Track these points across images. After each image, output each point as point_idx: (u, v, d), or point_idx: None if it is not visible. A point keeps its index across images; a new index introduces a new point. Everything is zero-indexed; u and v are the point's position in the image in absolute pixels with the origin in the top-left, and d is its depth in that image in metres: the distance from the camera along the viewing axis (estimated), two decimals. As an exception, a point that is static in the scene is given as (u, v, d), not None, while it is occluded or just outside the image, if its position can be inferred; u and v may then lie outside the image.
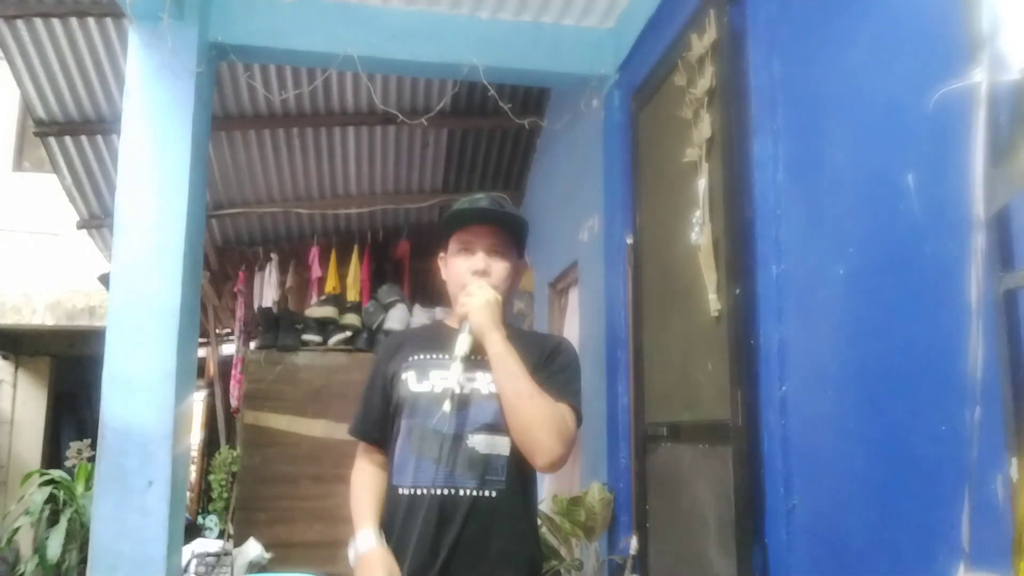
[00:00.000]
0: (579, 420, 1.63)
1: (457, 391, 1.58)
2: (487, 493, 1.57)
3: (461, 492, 1.56)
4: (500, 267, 1.69)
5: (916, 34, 1.51)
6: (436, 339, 1.71)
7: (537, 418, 1.53)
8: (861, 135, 1.69)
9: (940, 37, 1.42)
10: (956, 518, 1.29)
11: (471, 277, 1.66)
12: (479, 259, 1.68)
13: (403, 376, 1.67)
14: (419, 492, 1.57)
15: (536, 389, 1.55)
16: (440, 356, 1.66)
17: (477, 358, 1.62)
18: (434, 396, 1.61)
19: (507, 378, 1.56)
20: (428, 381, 1.64)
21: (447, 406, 1.56)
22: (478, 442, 1.58)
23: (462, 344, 1.61)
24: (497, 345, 1.58)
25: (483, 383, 1.61)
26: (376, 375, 1.76)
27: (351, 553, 1.61)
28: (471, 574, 1.55)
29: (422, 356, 1.69)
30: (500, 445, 1.59)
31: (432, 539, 1.53)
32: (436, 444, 1.58)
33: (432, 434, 1.59)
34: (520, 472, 1.61)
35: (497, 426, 1.58)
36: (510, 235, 1.72)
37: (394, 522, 1.60)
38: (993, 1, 1.26)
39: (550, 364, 1.66)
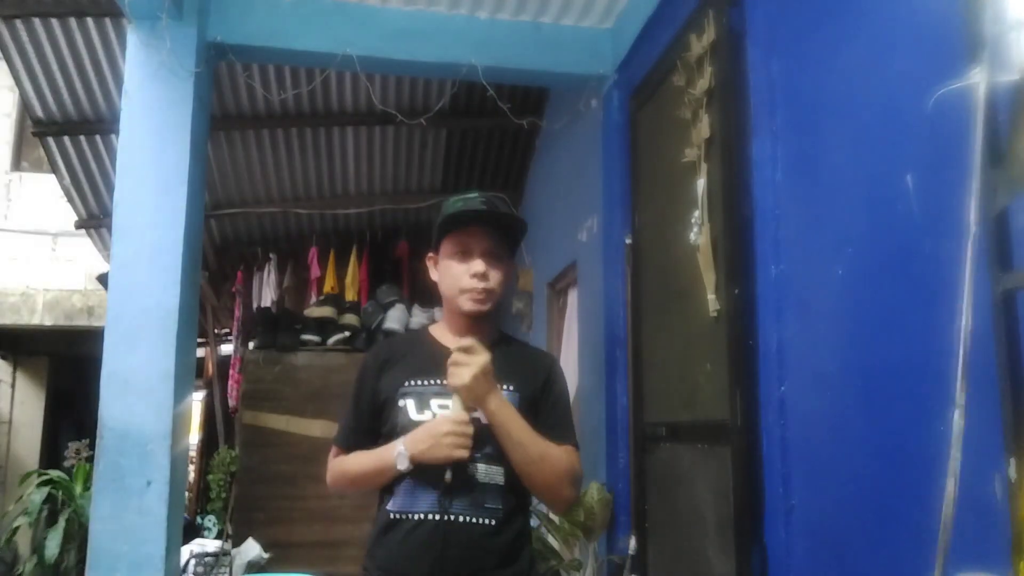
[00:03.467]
0: (578, 450, 1.66)
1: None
2: (485, 521, 1.55)
3: (460, 519, 1.54)
4: (497, 274, 1.65)
5: (915, 34, 1.51)
6: (431, 360, 1.65)
7: (552, 476, 1.57)
8: (860, 135, 1.69)
9: (940, 37, 1.42)
10: (955, 518, 1.29)
11: (469, 281, 1.62)
12: (478, 264, 1.63)
13: (400, 403, 1.62)
14: (416, 518, 1.55)
15: (544, 449, 1.55)
16: (438, 383, 1.61)
17: None
18: None
19: (514, 448, 1.54)
20: (429, 411, 1.60)
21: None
22: (478, 471, 1.57)
23: (455, 407, 1.56)
24: (496, 416, 1.54)
25: (481, 413, 1.57)
26: (363, 390, 1.71)
27: (399, 450, 1.54)
28: None
29: (420, 382, 1.64)
30: (496, 474, 1.58)
31: (429, 566, 1.52)
32: (434, 472, 1.54)
33: (430, 463, 1.55)
34: (517, 498, 1.61)
35: (493, 455, 1.57)
36: (506, 238, 1.69)
37: (389, 547, 1.58)
38: (993, 1, 1.26)
39: (546, 397, 1.65)
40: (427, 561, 1.52)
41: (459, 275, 1.64)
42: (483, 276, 1.62)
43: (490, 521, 1.56)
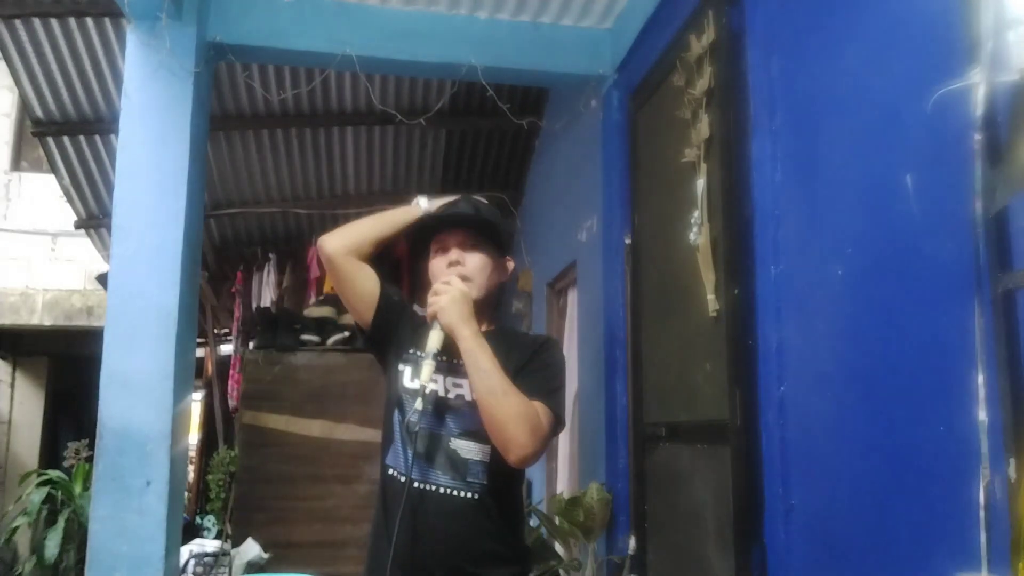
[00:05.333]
0: (557, 419, 1.65)
1: (428, 389, 1.61)
2: (468, 495, 1.61)
3: (442, 490, 1.61)
4: (474, 258, 1.73)
5: (916, 34, 1.51)
6: (425, 334, 1.72)
7: (508, 415, 1.55)
8: (860, 135, 1.69)
9: (940, 37, 1.42)
10: (954, 518, 1.29)
11: (446, 271, 1.71)
12: (453, 253, 1.73)
13: (400, 368, 1.73)
14: (403, 479, 1.62)
15: (508, 386, 1.57)
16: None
17: (460, 363, 1.64)
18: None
19: (478, 375, 1.58)
20: (419, 380, 1.67)
21: (419, 403, 1.60)
22: (460, 446, 1.63)
23: (433, 340, 1.63)
24: (467, 341, 1.60)
25: (467, 390, 1.65)
26: (398, 299, 1.81)
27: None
28: (455, 572, 1.59)
29: (416, 352, 1.72)
30: (483, 451, 1.63)
31: (412, 533, 1.57)
32: (422, 442, 1.63)
33: (417, 431, 1.63)
34: (503, 475, 1.64)
35: (480, 433, 1.62)
36: (484, 231, 1.77)
37: (384, 507, 1.65)
38: (993, 1, 1.26)
39: (531, 363, 1.69)
40: (412, 528, 1.57)
41: (439, 270, 1.74)
42: (456, 262, 1.72)
43: (473, 494, 1.61)
